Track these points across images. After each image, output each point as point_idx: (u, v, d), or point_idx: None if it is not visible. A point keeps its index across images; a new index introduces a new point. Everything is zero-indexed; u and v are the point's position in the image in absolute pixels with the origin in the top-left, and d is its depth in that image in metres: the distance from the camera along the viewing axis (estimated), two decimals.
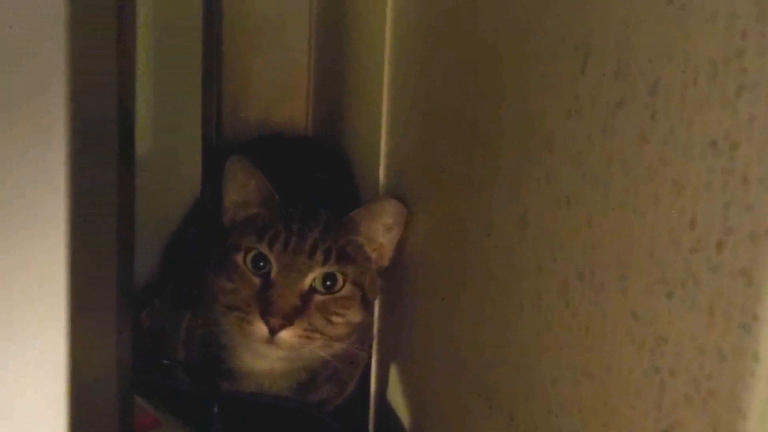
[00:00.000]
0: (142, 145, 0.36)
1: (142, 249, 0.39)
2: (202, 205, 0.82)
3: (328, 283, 0.62)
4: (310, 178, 0.76)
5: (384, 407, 0.71)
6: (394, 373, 0.70)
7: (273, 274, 0.62)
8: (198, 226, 0.81)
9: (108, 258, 0.32)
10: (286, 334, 0.60)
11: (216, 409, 0.66)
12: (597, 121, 0.38)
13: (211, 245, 0.67)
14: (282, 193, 0.65)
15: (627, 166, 0.35)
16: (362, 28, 0.79)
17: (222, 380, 0.68)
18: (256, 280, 0.62)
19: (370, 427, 0.74)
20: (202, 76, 0.84)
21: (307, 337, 0.61)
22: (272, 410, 0.68)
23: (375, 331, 0.72)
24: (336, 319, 0.63)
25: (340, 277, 0.63)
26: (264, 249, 0.62)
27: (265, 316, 0.60)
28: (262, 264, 0.62)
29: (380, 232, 0.65)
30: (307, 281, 0.62)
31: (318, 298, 0.62)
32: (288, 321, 0.60)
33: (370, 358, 0.73)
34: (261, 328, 0.60)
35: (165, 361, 0.71)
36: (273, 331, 0.60)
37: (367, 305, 0.66)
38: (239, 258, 0.63)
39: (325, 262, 0.62)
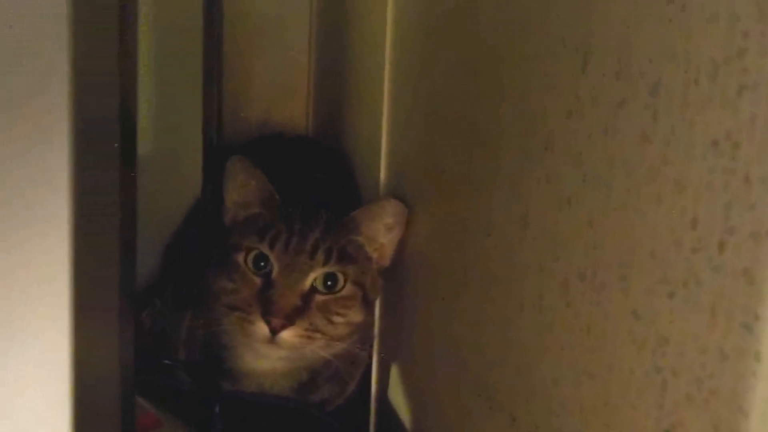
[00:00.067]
0: (143, 146, 0.36)
1: (143, 249, 0.39)
2: (203, 205, 0.82)
3: (329, 283, 0.62)
4: (311, 178, 0.76)
5: (385, 407, 0.71)
6: (394, 373, 0.70)
7: (274, 274, 0.62)
8: (198, 227, 0.81)
9: (110, 258, 0.32)
10: (287, 334, 0.60)
11: (217, 409, 0.66)
12: (598, 121, 0.38)
13: (212, 245, 0.68)
14: (282, 193, 0.65)
15: (628, 166, 0.35)
16: (363, 28, 0.79)
17: (223, 380, 0.68)
18: (257, 280, 0.62)
19: (371, 427, 0.74)
20: (202, 76, 0.83)
21: (308, 337, 0.61)
22: (273, 410, 0.68)
23: (376, 331, 0.72)
24: (337, 319, 0.63)
25: (341, 277, 0.63)
26: (265, 249, 0.62)
27: (266, 316, 0.60)
28: (263, 264, 0.62)
29: (381, 232, 0.65)
30: (308, 281, 0.62)
31: (319, 298, 0.62)
32: (289, 321, 0.60)
33: (370, 358, 0.72)
34: (262, 328, 0.60)
35: (166, 361, 0.71)
36: (274, 331, 0.60)
37: (368, 305, 0.66)
38: (240, 258, 0.63)
39: (326, 262, 0.62)
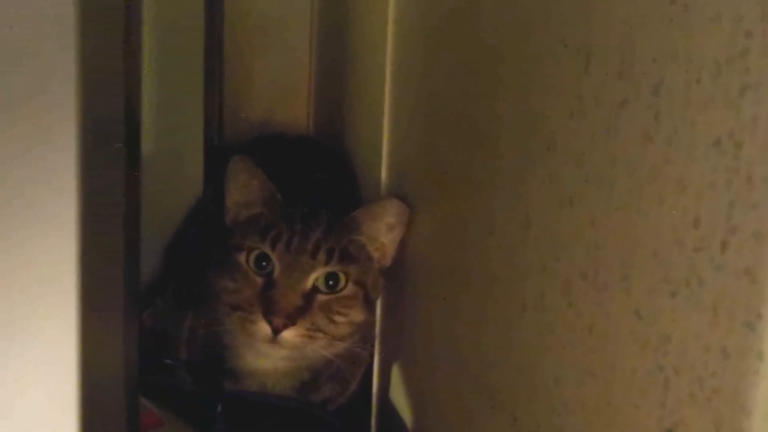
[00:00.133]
0: (144, 146, 0.36)
1: (144, 249, 0.39)
2: (204, 205, 0.82)
3: (330, 282, 0.62)
4: (312, 178, 0.76)
5: (386, 407, 0.72)
6: (396, 373, 0.70)
7: (276, 273, 0.62)
8: (199, 227, 0.81)
9: (116, 257, 0.32)
10: (288, 334, 0.60)
11: (219, 409, 0.66)
12: (600, 121, 0.38)
13: (213, 245, 0.68)
14: (284, 193, 0.65)
15: (630, 166, 0.35)
16: (364, 28, 0.79)
17: (225, 380, 0.68)
18: (259, 280, 0.62)
19: (372, 426, 0.75)
20: (203, 77, 0.83)
21: (310, 337, 0.61)
22: (275, 410, 0.68)
23: (377, 330, 0.72)
24: (338, 318, 0.63)
25: (342, 277, 0.63)
26: (266, 249, 0.62)
27: (268, 315, 0.60)
28: (264, 264, 0.62)
29: (382, 231, 0.65)
30: (310, 281, 0.62)
31: (321, 297, 0.62)
32: (291, 320, 0.60)
33: (372, 357, 0.73)
34: (264, 328, 0.60)
35: (168, 361, 0.71)
36: (276, 331, 0.60)
37: (369, 305, 0.66)
38: (242, 258, 0.63)
39: (327, 262, 0.62)
